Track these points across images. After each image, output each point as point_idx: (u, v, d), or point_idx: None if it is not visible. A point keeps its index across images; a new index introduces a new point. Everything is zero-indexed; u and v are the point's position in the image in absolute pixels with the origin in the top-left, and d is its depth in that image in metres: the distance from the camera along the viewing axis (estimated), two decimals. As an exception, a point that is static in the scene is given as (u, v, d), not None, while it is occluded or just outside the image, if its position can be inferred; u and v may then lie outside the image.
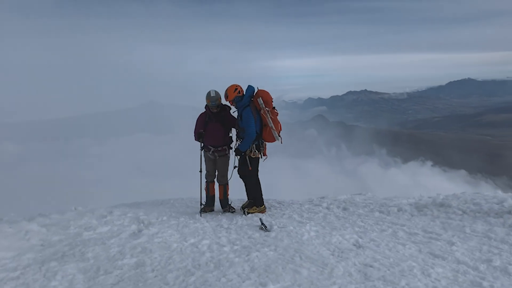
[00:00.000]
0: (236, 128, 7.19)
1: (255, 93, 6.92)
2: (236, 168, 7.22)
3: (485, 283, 3.73)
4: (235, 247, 5.02)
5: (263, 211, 7.14)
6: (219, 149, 7.32)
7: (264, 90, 6.87)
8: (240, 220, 6.55)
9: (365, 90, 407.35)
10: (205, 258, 4.64)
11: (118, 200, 10.40)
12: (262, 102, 6.75)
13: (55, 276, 4.18)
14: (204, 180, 7.55)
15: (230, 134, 7.45)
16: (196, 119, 7.44)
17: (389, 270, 4.09)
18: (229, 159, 7.45)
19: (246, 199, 7.37)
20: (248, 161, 6.96)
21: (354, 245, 4.96)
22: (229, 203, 7.62)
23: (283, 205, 7.66)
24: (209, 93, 7.07)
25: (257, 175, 7.21)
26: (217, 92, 7.13)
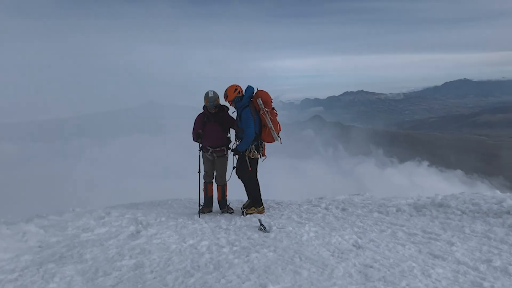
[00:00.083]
0: (235, 129, 7.17)
1: (254, 93, 6.90)
2: (235, 169, 7.20)
3: (485, 284, 3.72)
4: (234, 248, 5.00)
5: (261, 212, 7.12)
6: (217, 149, 7.29)
7: (263, 91, 6.85)
8: (239, 221, 6.52)
9: (362, 90, 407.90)
10: (204, 259, 4.62)
11: (116, 201, 10.35)
12: (261, 102, 6.73)
13: (53, 277, 4.15)
14: (202, 180, 7.52)
15: (229, 135, 7.42)
16: (194, 120, 7.41)
17: (389, 270, 4.09)
18: (227, 160, 7.43)
19: (246, 200, 7.35)
20: (248, 162, 6.95)
21: (354, 245, 4.95)
22: (228, 204, 7.60)
23: (282, 205, 7.64)
24: (207, 94, 7.05)
25: (256, 176, 7.19)
26: (215, 92, 7.10)
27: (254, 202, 7.16)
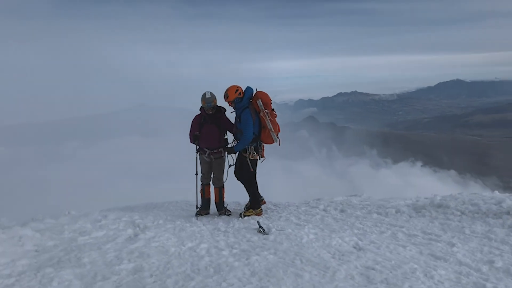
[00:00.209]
0: (233, 130, 7.10)
1: (254, 94, 6.86)
2: (231, 167, 7.16)
3: (488, 285, 3.70)
4: (234, 251, 4.95)
5: (259, 214, 7.07)
6: (214, 151, 7.24)
7: (263, 92, 6.80)
8: (237, 223, 6.48)
9: (355, 91, 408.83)
10: (204, 263, 4.57)
11: (110, 203, 10.26)
12: (261, 104, 6.69)
13: (51, 282, 4.08)
14: (199, 183, 7.46)
15: (226, 136, 7.38)
16: (191, 121, 7.36)
17: (391, 272, 4.06)
18: (224, 161, 7.38)
19: (244, 201, 7.31)
20: (249, 163, 6.91)
21: (354, 247, 4.92)
22: (225, 206, 7.54)
23: (279, 207, 7.59)
24: (204, 95, 7.00)
25: (255, 178, 7.15)
26: (213, 93, 7.06)
27: (252, 204, 7.11)
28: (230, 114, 7.14)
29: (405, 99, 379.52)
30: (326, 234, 5.50)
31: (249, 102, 6.83)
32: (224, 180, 7.41)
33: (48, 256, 4.89)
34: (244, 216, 6.96)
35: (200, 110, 7.23)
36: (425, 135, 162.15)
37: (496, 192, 6.65)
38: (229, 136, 7.35)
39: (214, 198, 7.53)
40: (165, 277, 4.18)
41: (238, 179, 7.15)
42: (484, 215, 5.76)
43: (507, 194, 6.34)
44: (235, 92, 6.81)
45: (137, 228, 6.08)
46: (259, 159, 7.04)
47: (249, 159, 6.88)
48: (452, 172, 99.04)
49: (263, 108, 6.70)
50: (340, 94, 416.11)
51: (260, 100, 6.69)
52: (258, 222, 6.15)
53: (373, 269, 4.17)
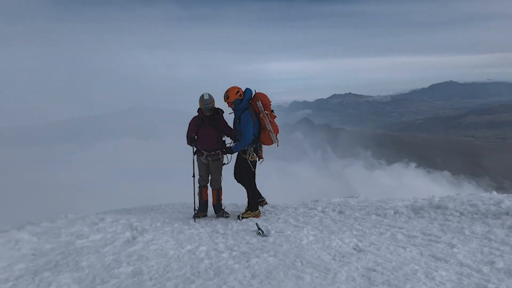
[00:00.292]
0: (232, 132, 7.06)
1: (253, 96, 6.83)
2: (224, 165, 7.13)
3: (490, 286, 3.69)
4: (234, 253, 4.91)
5: (257, 216, 7.04)
6: (212, 153, 7.20)
7: (262, 93, 6.78)
8: (236, 225, 6.44)
9: (350, 93, 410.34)
10: (204, 265, 4.53)
11: (106, 206, 10.19)
12: (261, 105, 6.66)
13: (49, 286, 4.02)
14: (197, 185, 7.42)
15: (224, 138, 7.33)
16: (188, 123, 7.30)
17: (392, 274, 4.04)
18: (222, 163, 7.34)
19: (241, 204, 7.28)
20: (250, 164, 6.88)
21: (355, 249, 4.90)
22: (223, 208, 7.50)
23: (277, 209, 7.55)
24: (202, 96, 6.95)
25: (255, 179, 7.12)
26: (211, 95, 7.01)
27: (251, 206, 7.08)
28: (229, 114, 7.09)
29: (399, 100, 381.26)
30: (326, 236, 5.48)
31: (249, 103, 6.81)
32: (221, 181, 7.37)
33: (45, 260, 4.83)
34: (242, 218, 6.93)
35: (198, 111, 7.19)
36: (419, 136, 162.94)
37: (494, 193, 6.65)
38: (227, 138, 7.31)
39: (212, 200, 7.49)
40: (165, 280, 4.14)
41: (238, 181, 7.12)
42: (483, 215, 5.75)
43: (506, 195, 6.35)
44: (236, 93, 6.77)
45: (135, 231, 6.03)
46: (258, 160, 7.02)
47: (249, 160, 6.86)
48: (446, 173, 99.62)
49: (263, 109, 6.68)
50: (334, 96, 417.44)
51: (260, 101, 6.67)
52: (256, 224, 6.12)
53: (374, 270, 4.15)
